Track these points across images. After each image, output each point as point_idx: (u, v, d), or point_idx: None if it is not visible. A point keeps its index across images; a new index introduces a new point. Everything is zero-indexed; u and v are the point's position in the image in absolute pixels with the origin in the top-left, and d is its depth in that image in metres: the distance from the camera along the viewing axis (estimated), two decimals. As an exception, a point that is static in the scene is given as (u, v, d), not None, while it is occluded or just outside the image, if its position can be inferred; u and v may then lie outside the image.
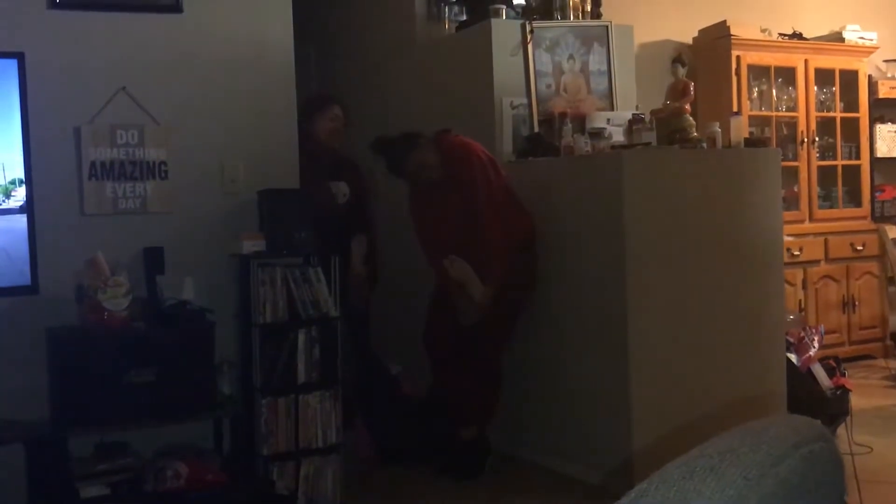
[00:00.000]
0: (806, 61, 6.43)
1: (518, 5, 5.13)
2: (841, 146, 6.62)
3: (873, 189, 6.75)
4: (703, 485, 0.74)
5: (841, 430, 4.44)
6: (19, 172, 3.52)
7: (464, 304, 4.15)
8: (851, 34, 6.69)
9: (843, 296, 6.45)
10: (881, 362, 6.41)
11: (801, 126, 6.41)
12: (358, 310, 4.60)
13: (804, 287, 6.29)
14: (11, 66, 3.50)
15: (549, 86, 4.78)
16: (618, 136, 4.44)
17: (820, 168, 6.50)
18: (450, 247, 4.21)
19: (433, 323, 4.40)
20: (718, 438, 0.84)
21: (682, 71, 4.56)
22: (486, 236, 4.10)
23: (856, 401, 4.67)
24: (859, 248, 6.52)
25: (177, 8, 3.95)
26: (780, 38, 6.49)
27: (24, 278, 3.53)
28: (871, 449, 4.26)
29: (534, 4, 5.09)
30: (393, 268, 5.19)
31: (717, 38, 6.22)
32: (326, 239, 4.02)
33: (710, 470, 0.76)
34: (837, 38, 6.67)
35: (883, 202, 6.85)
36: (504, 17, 4.85)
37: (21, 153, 3.53)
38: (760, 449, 0.80)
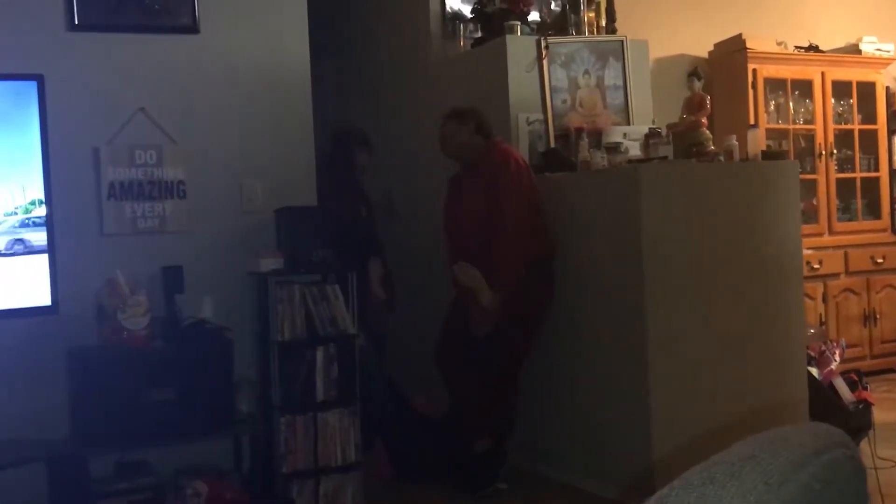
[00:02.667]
0: (823, 74, 6.41)
1: (533, 21, 5.14)
2: (859, 158, 6.58)
3: (893, 201, 6.70)
4: (723, 490, 0.73)
5: (864, 444, 4.39)
6: (39, 193, 3.55)
7: (476, 314, 4.15)
8: (868, 46, 6.66)
9: (864, 309, 6.40)
10: (904, 376, 6.35)
11: (819, 139, 6.38)
12: (376, 332, 4.62)
13: (825, 301, 6.24)
14: (31, 87, 3.53)
15: (564, 101, 4.79)
16: (634, 151, 4.43)
17: (838, 181, 6.46)
18: (467, 245, 4.24)
19: (447, 336, 4.40)
20: (739, 445, 0.83)
21: (698, 84, 4.55)
22: (502, 242, 4.09)
23: (879, 415, 4.62)
24: (879, 260, 6.47)
25: (194, 29, 3.99)
26: (796, 51, 6.47)
27: (45, 298, 3.55)
28: (895, 463, 4.21)
29: (548, 20, 5.10)
30: (410, 291, 5.19)
31: (732, 52, 6.21)
32: (347, 257, 4.05)
33: (730, 476, 0.75)
34: (854, 50, 6.65)
35: (903, 214, 6.80)
36: (519, 34, 4.86)
37: (41, 174, 3.55)
38: (781, 455, 0.79)
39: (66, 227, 3.66)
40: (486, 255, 4.14)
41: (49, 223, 3.56)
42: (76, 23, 3.78)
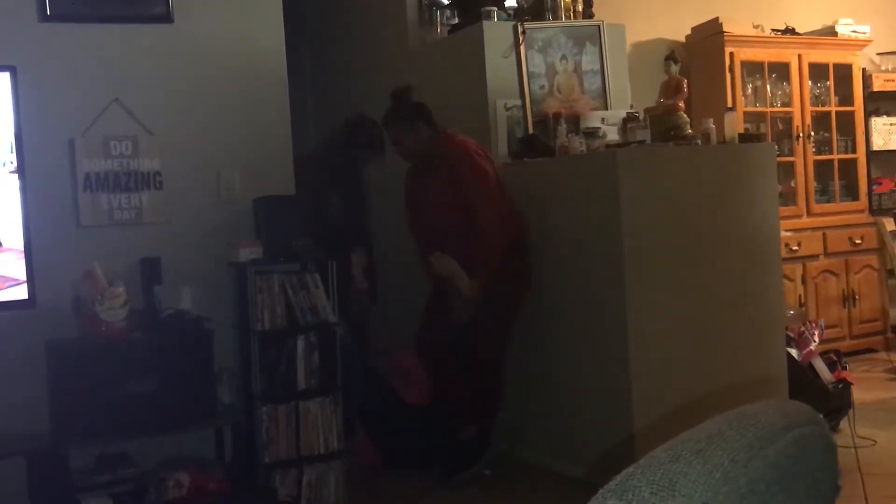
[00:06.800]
0: (799, 56, 6.43)
1: (509, 7, 5.12)
2: (837, 140, 6.62)
3: (870, 182, 6.75)
4: (689, 467, 0.74)
5: (844, 423, 4.43)
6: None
7: (456, 302, 4.15)
8: (844, 28, 6.68)
9: (843, 290, 6.44)
10: (882, 355, 6.39)
11: (797, 121, 6.41)
12: (357, 322, 4.60)
13: (804, 282, 6.28)
14: (4, 79, 3.49)
15: (542, 87, 4.78)
16: (612, 135, 4.43)
17: (816, 162, 6.49)
18: (439, 237, 4.23)
19: (427, 326, 4.40)
20: (707, 423, 0.83)
21: (675, 68, 4.56)
22: (481, 229, 4.08)
23: (858, 394, 4.66)
24: (858, 241, 6.51)
25: (168, 18, 3.95)
26: (772, 34, 6.48)
27: (21, 292, 3.52)
28: (875, 442, 4.25)
29: (525, 6, 5.09)
30: (393, 278, 5.18)
31: (709, 36, 6.22)
32: (327, 249, 4.02)
33: (696, 453, 0.75)
34: (830, 32, 6.67)
35: (880, 195, 6.85)
36: (496, 20, 4.85)
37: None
38: (749, 432, 0.79)
39: (41, 219, 3.63)
40: (459, 246, 4.12)
41: (25, 216, 3.53)
42: (48, 13, 3.74)
